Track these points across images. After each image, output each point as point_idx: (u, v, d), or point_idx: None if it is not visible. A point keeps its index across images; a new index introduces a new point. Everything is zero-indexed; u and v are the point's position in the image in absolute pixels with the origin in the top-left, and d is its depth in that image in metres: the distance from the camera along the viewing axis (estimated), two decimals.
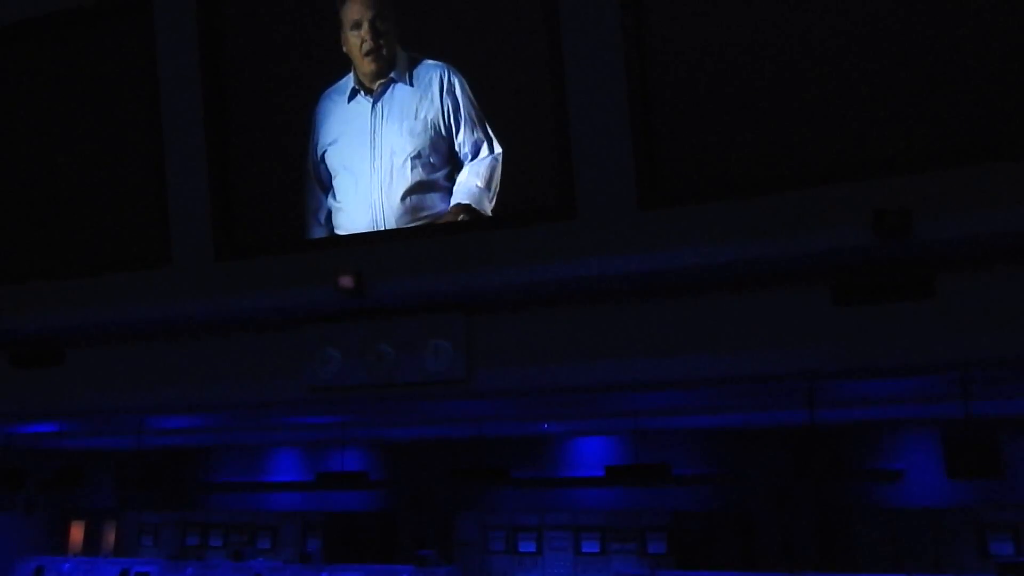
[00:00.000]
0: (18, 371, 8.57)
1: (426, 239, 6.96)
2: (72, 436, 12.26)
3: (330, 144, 7.39)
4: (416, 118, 7.07)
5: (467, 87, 6.93)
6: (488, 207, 6.87)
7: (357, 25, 7.23)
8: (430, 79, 7.03)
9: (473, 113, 6.90)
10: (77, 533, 16.05)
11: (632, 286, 6.55)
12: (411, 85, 7.10)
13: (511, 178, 6.79)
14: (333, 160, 7.38)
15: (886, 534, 11.91)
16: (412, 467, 13.81)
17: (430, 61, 7.06)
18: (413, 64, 7.11)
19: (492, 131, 6.87)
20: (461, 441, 11.94)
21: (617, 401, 9.08)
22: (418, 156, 7.04)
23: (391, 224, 7.11)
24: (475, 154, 6.93)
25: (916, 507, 11.33)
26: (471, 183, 6.92)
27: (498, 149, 6.85)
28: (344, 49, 7.30)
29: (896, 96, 5.87)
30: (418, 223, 7.03)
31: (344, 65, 7.33)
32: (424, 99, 7.04)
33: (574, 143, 6.49)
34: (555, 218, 6.57)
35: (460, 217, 6.94)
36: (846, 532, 12.12)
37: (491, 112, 6.85)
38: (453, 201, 6.99)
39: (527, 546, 13.48)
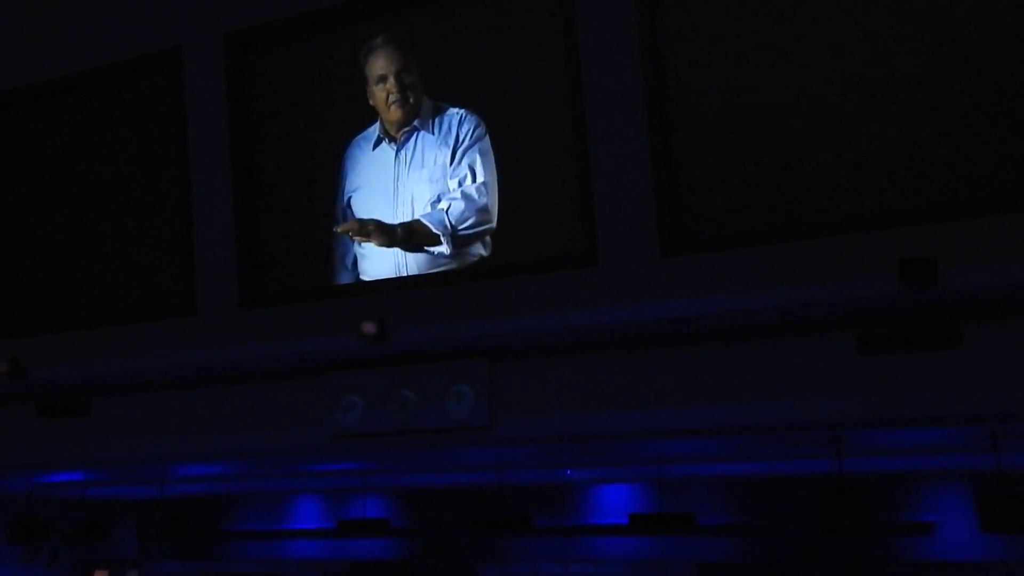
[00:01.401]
0: (43, 421, 8.61)
1: (449, 285, 6.99)
2: (96, 485, 12.27)
3: (355, 190, 7.51)
4: (436, 163, 7.17)
5: (486, 133, 7.02)
6: (446, 246, 6.95)
7: (383, 79, 7.39)
8: (450, 125, 7.14)
9: (479, 160, 6.97)
10: None
11: (655, 333, 6.52)
12: (433, 133, 7.20)
13: (532, 223, 6.84)
14: (358, 206, 7.48)
15: None
16: (434, 515, 13.69)
17: (454, 109, 7.16)
18: (437, 112, 7.23)
19: (508, 177, 6.93)
20: (483, 489, 11.84)
21: (641, 448, 8.98)
22: (438, 201, 7.13)
23: (413, 270, 7.16)
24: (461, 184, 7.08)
25: (949, 561, 11.06)
26: (443, 212, 7.08)
27: (483, 197, 6.90)
28: (371, 102, 7.44)
29: (924, 145, 5.87)
30: (440, 268, 7.08)
31: (372, 114, 7.46)
32: (444, 146, 7.15)
33: (596, 190, 6.53)
34: (577, 265, 6.59)
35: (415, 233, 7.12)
36: None
37: (511, 158, 6.94)
38: (416, 216, 7.16)
39: None
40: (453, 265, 7.07)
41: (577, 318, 6.48)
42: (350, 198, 7.52)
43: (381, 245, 7.29)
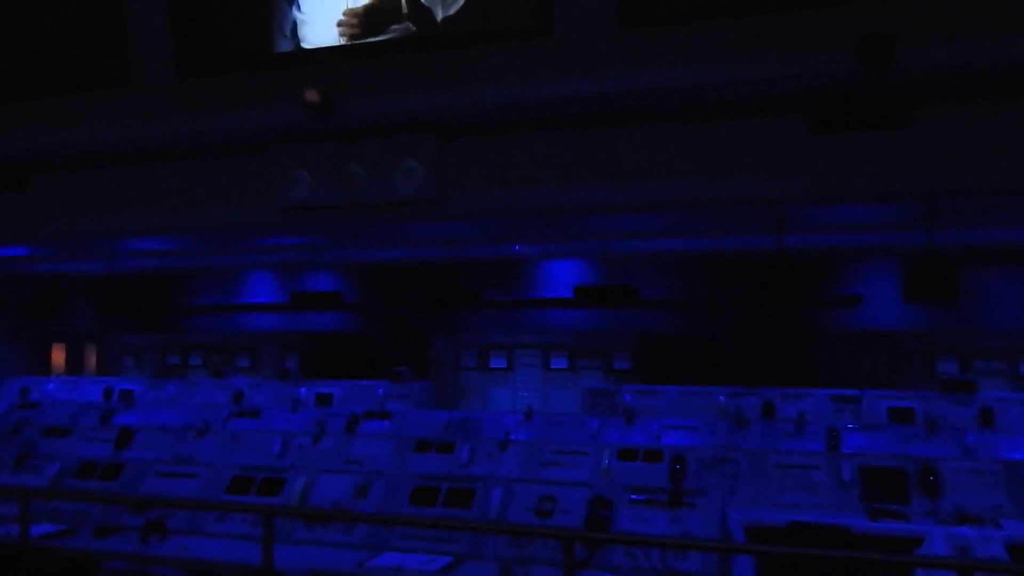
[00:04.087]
0: None
1: (397, 55, 6.73)
2: (45, 261, 12.26)
3: None
4: None
5: None
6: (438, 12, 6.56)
7: None
8: None
9: None
10: (59, 356, 16.37)
11: (607, 108, 6.45)
12: None
13: None
14: None
15: (844, 356, 12.50)
16: (387, 290, 14.05)
17: None
18: None
19: None
20: (434, 264, 12.10)
21: (587, 224, 9.16)
22: None
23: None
24: None
25: (873, 330, 11.83)
26: None
27: None
28: None
29: None
30: (388, 36, 6.78)
31: None
32: None
33: None
34: (531, 35, 6.36)
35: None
36: (806, 354, 12.67)
37: None
38: None
39: (498, 363, 14.02)
40: (406, 30, 6.73)
41: (529, 91, 6.34)
42: None
43: None
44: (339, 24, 6.92)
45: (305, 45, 7.07)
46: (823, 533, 5.20)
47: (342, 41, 6.95)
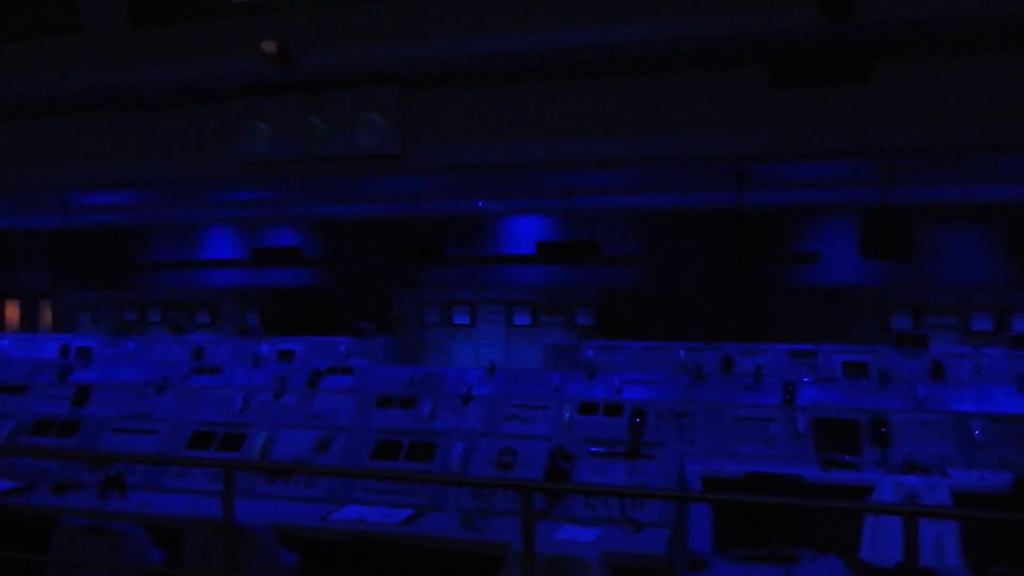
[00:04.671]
0: None
1: (359, 5, 6.59)
2: None
3: None
4: None
5: None
6: None
7: None
8: None
9: None
10: (13, 312, 16.08)
11: (570, 62, 6.40)
12: None
13: None
14: None
15: (801, 311, 12.73)
16: (349, 246, 13.96)
17: None
18: None
19: None
20: (397, 219, 12.03)
21: (551, 179, 9.15)
22: None
23: None
24: None
25: (830, 286, 12.04)
26: None
27: None
28: None
29: None
30: None
31: None
32: None
33: None
34: None
35: None
36: (765, 310, 12.88)
37: None
38: None
39: (461, 318, 14.07)
40: None
41: (493, 43, 6.26)
42: None
43: None
44: None
45: None
46: (777, 483, 5.33)
47: None
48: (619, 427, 6.17)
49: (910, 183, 9.02)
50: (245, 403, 6.95)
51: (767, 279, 12.26)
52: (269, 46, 6.41)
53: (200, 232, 14.86)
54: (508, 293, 13.78)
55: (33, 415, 6.04)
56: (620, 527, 4.18)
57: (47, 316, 16.08)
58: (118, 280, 15.23)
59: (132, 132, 7.71)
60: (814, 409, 6.44)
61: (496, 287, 13.54)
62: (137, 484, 4.96)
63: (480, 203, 11.73)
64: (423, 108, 6.83)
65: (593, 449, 4.71)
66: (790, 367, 9.43)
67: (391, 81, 6.78)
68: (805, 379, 7.95)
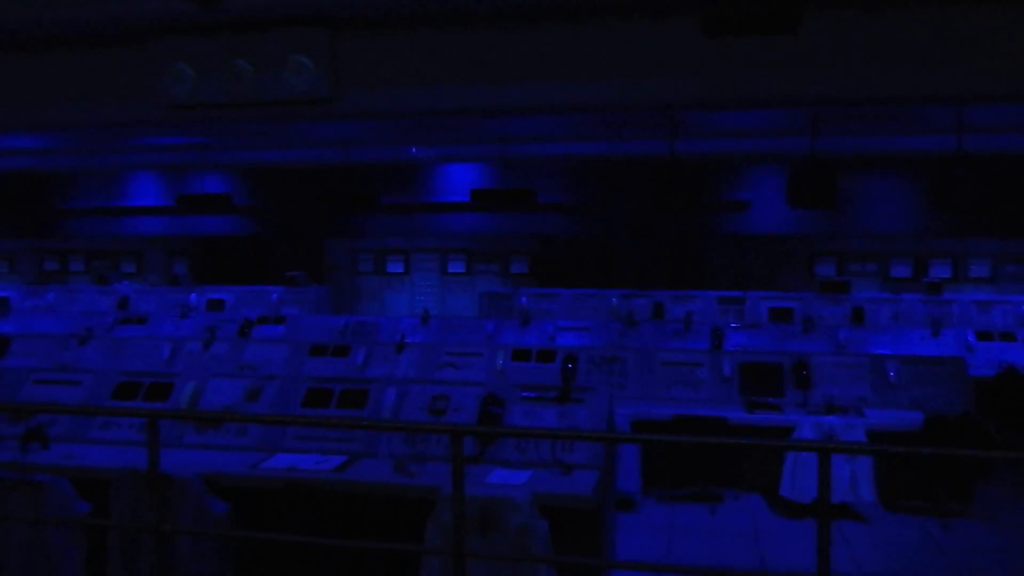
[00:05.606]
0: None
1: None
2: None
3: None
4: None
5: None
6: None
7: None
8: None
9: None
10: None
11: (501, 6, 6.31)
12: None
13: None
14: None
15: (731, 259, 13.01)
16: (280, 193, 13.68)
17: None
18: None
19: None
20: (329, 166, 11.83)
21: (484, 126, 9.08)
22: None
23: None
24: None
25: (758, 234, 12.30)
26: None
27: None
28: None
29: None
30: None
31: None
32: None
33: None
34: None
35: None
36: (696, 258, 13.11)
37: None
38: None
39: (395, 267, 13.99)
40: None
41: None
42: None
43: None
44: None
45: None
46: (703, 425, 5.50)
47: None
48: (552, 373, 6.26)
49: (836, 133, 9.22)
50: (173, 353, 6.83)
51: (698, 227, 12.46)
52: None
53: (124, 178, 14.36)
54: (442, 241, 13.73)
55: None
56: (550, 470, 4.26)
57: None
58: (37, 227, 14.67)
59: (48, 73, 7.37)
60: (740, 353, 6.63)
61: (430, 235, 13.47)
62: (60, 436, 4.85)
63: (414, 150, 11.59)
64: (354, 51, 6.67)
65: (525, 394, 4.78)
66: (719, 313, 9.67)
67: (320, 22, 6.59)
68: (733, 324, 8.16)
